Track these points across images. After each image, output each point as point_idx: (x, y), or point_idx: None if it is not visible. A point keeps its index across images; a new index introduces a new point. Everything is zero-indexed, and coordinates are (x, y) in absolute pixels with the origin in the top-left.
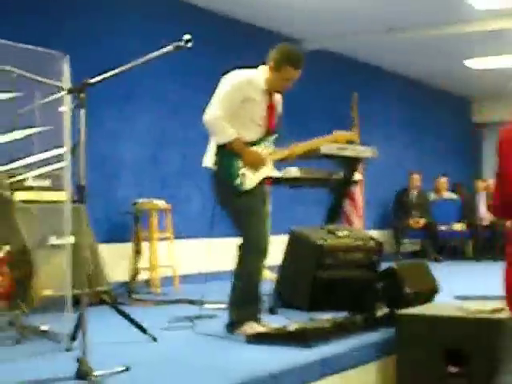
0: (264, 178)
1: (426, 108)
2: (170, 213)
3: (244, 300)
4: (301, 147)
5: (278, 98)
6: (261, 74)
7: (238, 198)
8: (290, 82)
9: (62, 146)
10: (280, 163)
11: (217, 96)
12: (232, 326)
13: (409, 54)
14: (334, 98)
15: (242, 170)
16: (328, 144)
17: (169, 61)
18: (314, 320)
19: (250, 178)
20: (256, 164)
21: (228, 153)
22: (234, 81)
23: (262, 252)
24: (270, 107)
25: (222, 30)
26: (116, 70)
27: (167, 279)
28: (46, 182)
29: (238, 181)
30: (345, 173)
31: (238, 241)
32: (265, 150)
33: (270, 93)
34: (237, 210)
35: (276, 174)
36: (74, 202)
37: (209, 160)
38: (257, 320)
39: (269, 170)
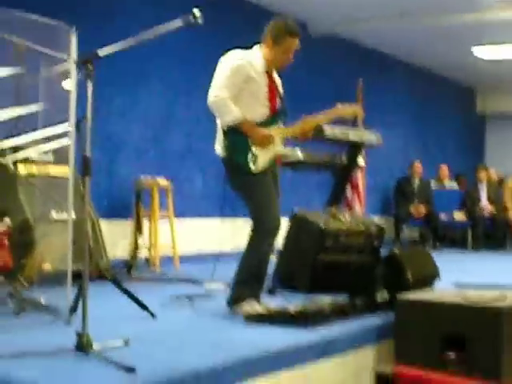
0: (274, 156)
1: (430, 97)
2: (171, 191)
3: (250, 278)
4: (309, 122)
5: (277, 78)
6: (258, 55)
7: (250, 179)
8: (291, 55)
9: (67, 121)
10: (289, 141)
11: (218, 78)
12: (232, 302)
13: (417, 42)
14: (339, 84)
15: (253, 151)
16: (332, 116)
17: (175, 40)
18: (314, 302)
19: (260, 158)
20: (265, 143)
21: (236, 134)
22: (233, 62)
23: (274, 232)
24: (271, 87)
25: (227, 10)
26: (123, 44)
27: (167, 258)
28: (50, 157)
29: (249, 161)
30: (348, 157)
31: (250, 222)
32: (273, 129)
33: (268, 73)
34: (249, 191)
35: (286, 150)
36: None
37: (218, 145)
38: (257, 300)
39: (279, 148)
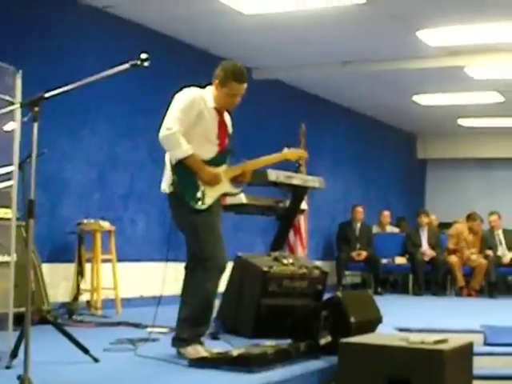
0: (221, 195)
1: (372, 142)
2: (114, 234)
3: (196, 318)
4: (253, 164)
5: (227, 117)
6: (209, 93)
7: (197, 216)
8: (237, 98)
9: (10, 164)
10: (233, 182)
11: (172, 112)
12: (179, 342)
13: (358, 88)
14: (282, 128)
15: (200, 188)
16: (279, 160)
17: (120, 83)
18: (258, 346)
19: (208, 196)
20: (213, 181)
21: (185, 170)
22: (188, 95)
23: (222, 270)
24: (221, 124)
25: (173, 53)
26: (71, 86)
27: (109, 302)
28: None
29: (196, 198)
30: (291, 201)
31: (192, 260)
32: (220, 168)
33: (219, 111)
34: (195, 228)
35: (234, 189)
36: (18, 219)
37: (165, 183)
38: (201, 341)
39: (225, 187)
